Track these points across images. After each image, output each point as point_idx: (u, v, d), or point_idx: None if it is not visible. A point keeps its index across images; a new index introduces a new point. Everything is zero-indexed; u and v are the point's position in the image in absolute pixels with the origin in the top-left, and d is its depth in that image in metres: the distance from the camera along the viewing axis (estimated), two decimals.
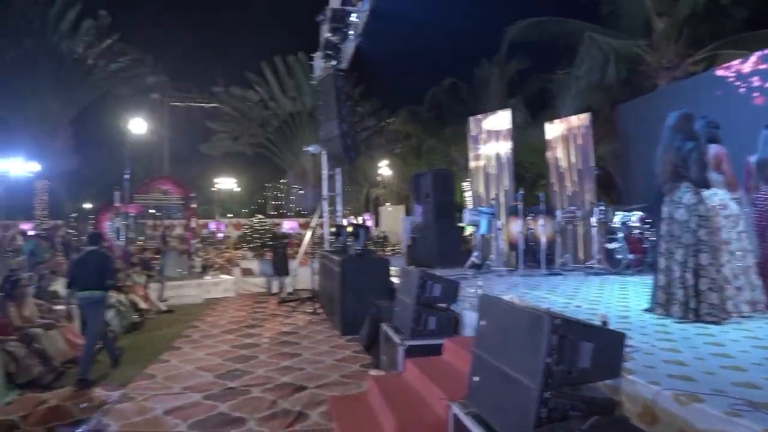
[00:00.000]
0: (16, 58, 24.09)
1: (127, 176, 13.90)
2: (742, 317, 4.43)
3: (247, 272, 14.14)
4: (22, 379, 5.45)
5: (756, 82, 8.55)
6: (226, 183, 33.30)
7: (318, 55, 12.28)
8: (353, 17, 11.00)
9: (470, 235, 12.56)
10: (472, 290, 5.89)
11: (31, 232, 18.29)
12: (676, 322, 4.30)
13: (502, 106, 14.28)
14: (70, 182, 31.52)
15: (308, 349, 7.14)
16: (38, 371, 5.65)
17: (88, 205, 32.90)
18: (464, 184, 20.83)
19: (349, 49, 11.40)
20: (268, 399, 5.09)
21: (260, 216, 24.14)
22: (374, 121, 27.84)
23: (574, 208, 9.85)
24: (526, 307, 2.57)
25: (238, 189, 38.29)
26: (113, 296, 8.84)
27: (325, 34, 10.98)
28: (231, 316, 9.98)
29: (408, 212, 22.36)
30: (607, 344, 2.49)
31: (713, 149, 4.92)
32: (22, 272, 7.78)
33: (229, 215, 36.46)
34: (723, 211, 4.81)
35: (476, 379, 2.97)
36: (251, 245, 19.55)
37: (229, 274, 13.99)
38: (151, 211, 17.00)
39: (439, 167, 18.07)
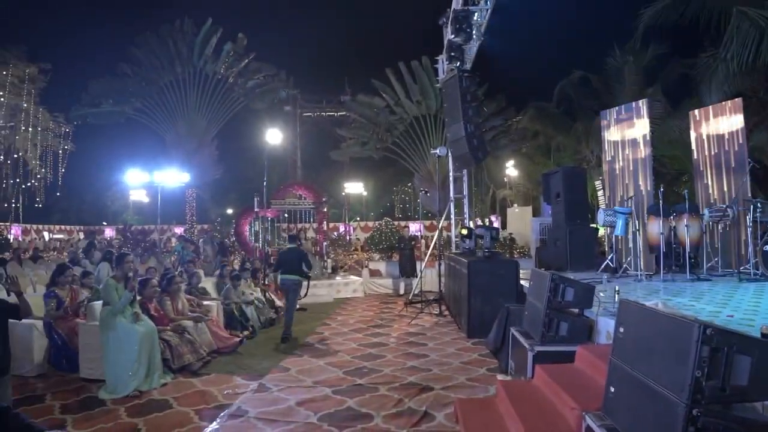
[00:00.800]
0: (168, 83, 27.70)
1: (264, 183, 14.96)
2: None
3: (375, 273, 14.52)
4: (176, 364, 6.08)
5: None
6: (355, 187, 34.56)
7: (442, 58, 12.30)
8: (475, 17, 10.88)
9: (603, 237, 11.83)
10: (609, 295, 5.51)
11: (177, 235, 20.46)
12: None
13: (638, 97, 13.24)
14: (215, 190, 34.84)
15: (434, 350, 7.15)
16: (189, 359, 6.26)
17: (230, 211, 36.01)
18: (597, 182, 19.64)
19: (472, 49, 11.29)
20: (394, 397, 5.16)
21: (387, 219, 24.70)
22: (500, 120, 27.26)
23: (724, 206, 8.83)
24: (672, 313, 2.34)
25: (366, 193, 39.52)
26: (254, 293, 9.57)
27: (448, 36, 10.97)
28: (360, 315, 10.30)
29: (536, 213, 21.60)
30: None
31: None
32: (174, 270, 8.69)
33: (357, 218, 37.81)
34: None
35: (613, 389, 2.77)
36: (379, 247, 20.09)
37: (357, 275, 14.47)
38: (285, 215, 18.13)
39: (570, 165, 17.19)
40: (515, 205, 27.86)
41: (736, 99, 9.84)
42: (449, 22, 10.85)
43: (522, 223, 19.89)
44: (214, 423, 4.59)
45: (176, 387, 5.63)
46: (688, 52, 16.18)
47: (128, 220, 34.50)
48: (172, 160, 26.58)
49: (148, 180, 23.39)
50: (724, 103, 10.03)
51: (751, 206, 8.00)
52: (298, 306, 10.93)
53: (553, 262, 9.78)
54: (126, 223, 28.92)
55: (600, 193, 19.36)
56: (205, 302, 8.13)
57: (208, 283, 9.28)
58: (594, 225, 11.08)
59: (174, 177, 23.73)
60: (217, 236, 19.70)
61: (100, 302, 5.83)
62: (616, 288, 4.86)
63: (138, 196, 34.26)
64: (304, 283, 8.53)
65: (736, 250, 8.97)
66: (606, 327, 4.43)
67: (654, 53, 17.73)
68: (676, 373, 2.16)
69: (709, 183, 9.78)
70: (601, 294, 5.64)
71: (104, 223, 36.67)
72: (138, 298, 6.13)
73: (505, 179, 30.59)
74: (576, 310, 4.71)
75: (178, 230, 27.21)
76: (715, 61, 13.35)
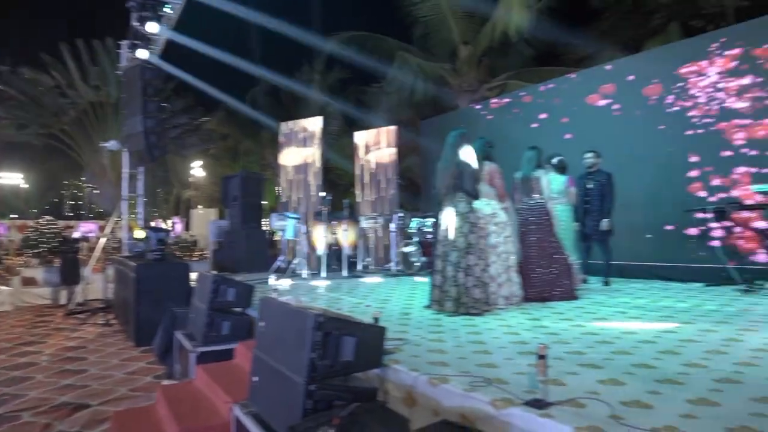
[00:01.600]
0: None
1: None
2: (500, 309, 5.17)
3: (29, 282, 12.43)
4: None
5: (535, 110, 9.86)
6: (11, 178, 28.85)
7: (125, 44, 11.32)
8: (167, 9, 10.37)
9: (278, 239, 12.64)
10: (274, 293, 5.96)
11: None
12: (449, 316, 4.86)
13: (321, 113, 14.62)
14: None
15: (96, 363, 6.55)
16: None
17: None
18: (278, 188, 20.81)
19: (160, 40, 10.71)
20: (40, 423, 4.57)
21: (49, 217, 21.35)
22: (186, 118, 26.42)
23: (376, 214, 10.49)
24: (296, 307, 2.71)
25: (28, 186, 33.44)
26: None
27: (134, 21, 10.19)
28: (3, 334, 8.70)
29: (222, 216, 21.65)
30: (369, 338, 2.75)
31: (487, 166, 5.68)
32: None
33: (12, 216, 31.66)
34: (493, 219, 5.56)
35: (256, 379, 3.05)
36: (36, 250, 17.22)
37: (6, 285, 12.16)
38: None
39: (253, 170, 17.83)
40: (200, 206, 27.41)
41: (392, 127, 11.75)
42: (136, 8, 10.08)
43: (206, 225, 19.76)
44: None
45: None
46: (364, 81, 18.56)
47: None
48: None
49: None
50: (384, 128, 11.84)
51: (395, 215, 9.70)
52: None
53: (228, 265, 10.04)
54: None
55: (280, 198, 20.58)
56: None
57: None
58: (268, 228, 11.76)
59: None
60: None
61: None
62: (279, 287, 5.31)
63: None
64: None
65: (384, 251, 10.70)
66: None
67: (338, 76, 19.84)
68: (298, 357, 2.52)
69: (368, 195, 11.41)
70: (270, 293, 6.05)
71: None
72: None
73: (191, 179, 29.81)
74: (238, 309, 4.96)
75: None
76: (382, 92, 15.71)
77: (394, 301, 6.04)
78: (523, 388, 2.63)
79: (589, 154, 7.19)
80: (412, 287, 7.39)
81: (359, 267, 9.96)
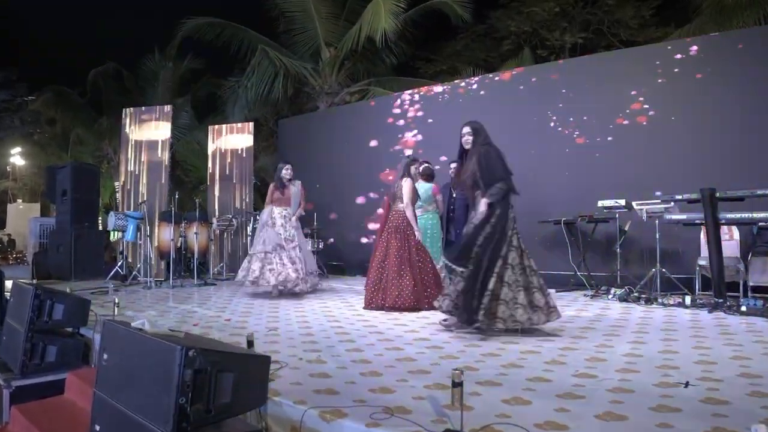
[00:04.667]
0: None
1: None
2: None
3: None
4: None
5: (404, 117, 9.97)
6: None
7: None
8: None
9: (116, 241, 11.22)
10: (109, 312, 5.04)
11: None
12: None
13: (170, 104, 13.30)
14: None
15: None
16: None
17: None
18: (117, 183, 18.69)
19: None
20: None
21: None
22: (7, 94, 22.70)
23: (230, 215, 9.70)
24: (157, 335, 2.12)
25: None
26: None
27: None
28: None
29: (45, 212, 18.90)
30: (252, 371, 2.25)
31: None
32: None
33: None
34: None
35: (98, 428, 2.37)
36: None
37: None
38: None
39: (87, 162, 15.76)
40: (20, 200, 23.78)
41: (250, 123, 11.00)
42: None
43: (25, 223, 17.08)
44: None
45: None
46: (219, 73, 17.31)
47: None
48: None
49: None
50: (241, 124, 11.03)
51: (252, 217, 9.03)
52: None
53: (53, 271, 8.58)
54: None
55: (119, 195, 18.49)
56: None
57: None
58: (105, 229, 10.34)
59: None
60: None
61: None
62: (116, 300, 4.46)
63: None
64: None
65: (240, 256, 9.93)
66: None
67: (190, 66, 18.23)
68: (161, 402, 1.94)
69: (221, 194, 10.54)
70: (102, 309, 5.13)
71: None
72: None
73: (9, 168, 25.75)
74: (69, 329, 4.05)
75: None
76: (239, 86, 14.77)
77: (255, 312, 5.46)
78: (429, 417, 2.34)
79: (455, 165, 7.21)
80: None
81: (210, 273, 9.10)
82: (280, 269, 6.57)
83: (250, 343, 3.00)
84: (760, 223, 5.83)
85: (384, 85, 14.07)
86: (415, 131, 9.64)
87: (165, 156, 9.54)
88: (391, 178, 6.84)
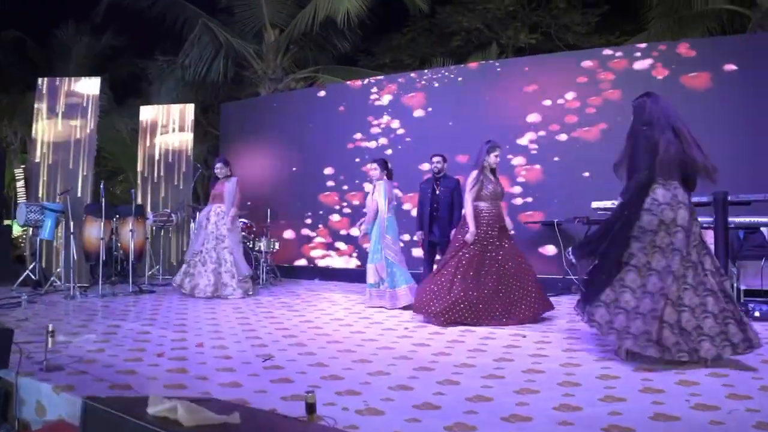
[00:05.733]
0: None
1: None
2: None
3: None
4: None
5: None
6: None
7: None
8: None
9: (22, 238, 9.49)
10: (39, 329, 3.75)
11: None
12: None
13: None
14: None
15: None
16: None
17: None
18: (18, 170, 16.36)
19: None
20: None
21: None
22: None
23: (168, 210, 8.36)
24: None
25: None
26: None
27: None
28: None
29: None
30: None
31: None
32: None
33: None
34: None
35: None
36: None
37: None
38: None
39: None
40: None
41: (189, 105, 9.65)
42: None
43: None
44: None
45: None
46: (144, 52, 15.46)
47: None
48: None
49: None
50: (178, 107, 9.65)
51: (197, 213, 7.74)
52: None
53: None
54: None
55: (21, 183, 16.16)
56: None
57: None
58: (8, 223, 8.63)
59: None
60: None
61: None
62: (50, 328, 3.17)
63: None
64: None
65: (177, 257, 8.61)
66: (36, 394, 2.77)
67: (111, 42, 16.07)
68: None
69: (154, 186, 9.13)
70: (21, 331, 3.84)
71: None
72: None
73: None
74: None
75: None
76: (170, 65, 13.17)
77: (226, 330, 4.36)
78: None
79: (437, 158, 6.62)
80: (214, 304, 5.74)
81: (146, 277, 7.74)
82: (201, 275, 6.47)
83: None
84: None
85: (332, 73, 13.06)
86: (386, 121, 8.78)
87: (90, 140, 7.95)
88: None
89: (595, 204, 6.17)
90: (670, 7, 11.22)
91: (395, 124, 8.66)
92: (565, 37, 16.02)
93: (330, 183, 8.98)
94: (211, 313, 5.38)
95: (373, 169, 6.13)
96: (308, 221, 9.08)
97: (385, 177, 6.07)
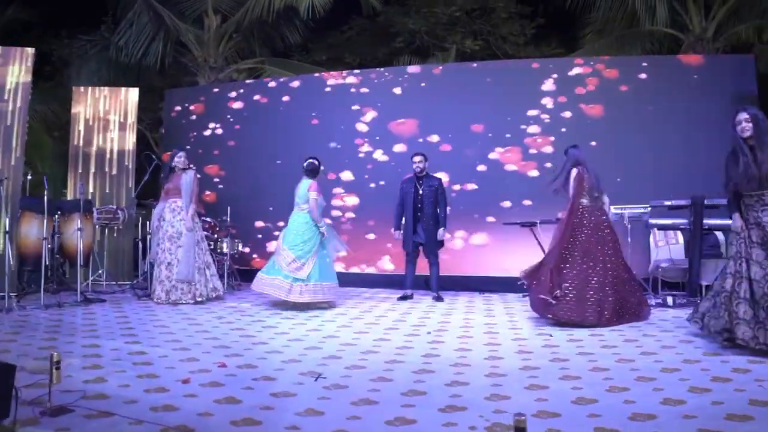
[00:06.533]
0: None
1: None
2: None
3: None
4: None
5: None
6: None
7: None
8: None
9: None
10: None
11: None
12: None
13: None
14: None
15: None
16: None
17: None
18: None
19: None
20: None
21: None
22: None
23: (114, 207, 7.38)
24: None
25: None
26: None
27: None
28: None
29: None
30: None
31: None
32: None
33: None
34: None
35: None
36: None
37: None
38: None
39: None
40: None
41: (133, 89, 8.64)
42: None
43: None
44: None
45: None
46: (56, 30, 13.84)
47: None
48: None
49: None
50: (120, 90, 8.62)
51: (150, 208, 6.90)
52: None
53: None
54: None
55: None
56: None
57: None
58: None
59: None
60: None
61: None
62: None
63: None
64: None
65: (128, 261, 7.65)
66: None
67: (16, 16, 14.12)
68: None
69: (98, 177, 8.09)
70: None
71: None
72: None
73: None
74: None
75: None
76: (95, 46, 11.87)
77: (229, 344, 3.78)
78: None
79: (419, 158, 6.54)
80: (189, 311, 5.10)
81: (89, 284, 6.72)
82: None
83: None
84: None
85: (279, 66, 12.37)
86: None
87: (21, 117, 6.76)
88: None
89: None
90: (611, 25, 11.63)
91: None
92: (504, 46, 16.38)
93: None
94: (189, 321, 4.70)
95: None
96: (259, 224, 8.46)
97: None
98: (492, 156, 7.66)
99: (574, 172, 4.83)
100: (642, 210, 6.20)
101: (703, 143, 6.84)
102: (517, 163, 7.59)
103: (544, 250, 5.74)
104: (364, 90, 8.38)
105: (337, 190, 8.16)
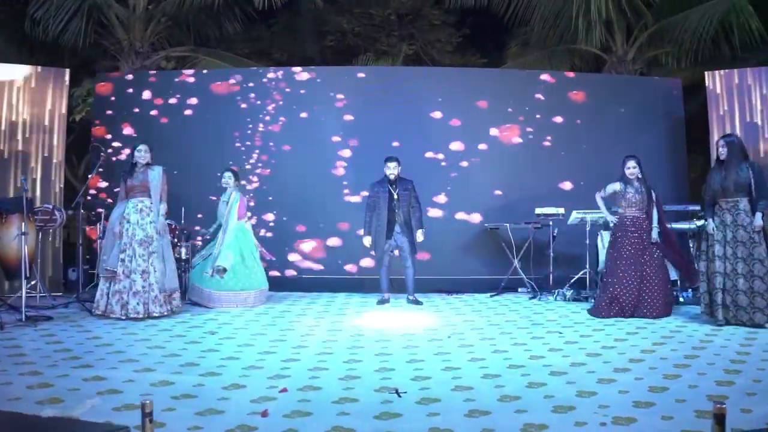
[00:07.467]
0: None
1: None
2: None
3: None
4: None
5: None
6: None
7: None
8: None
9: None
10: None
11: None
12: None
13: None
14: None
15: None
16: None
17: None
18: None
19: None
20: None
21: None
22: None
23: (51, 206, 6.40)
24: None
25: None
26: None
27: None
28: None
29: None
30: None
31: None
32: None
33: None
34: None
35: None
36: None
37: None
38: None
39: None
40: None
41: (64, 70, 7.61)
42: None
43: None
44: None
45: None
46: None
47: None
48: None
49: None
50: (45, 70, 7.55)
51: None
52: None
53: None
54: None
55: None
56: None
57: None
58: None
59: None
60: None
61: None
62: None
63: None
64: None
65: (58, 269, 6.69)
66: None
67: None
68: None
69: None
70: None
71: None
72: None
73: None
74: None
75: None
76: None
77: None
78: None
79: (393, 163, 6.47)
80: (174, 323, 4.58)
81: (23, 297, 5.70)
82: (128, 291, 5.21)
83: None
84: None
85: (213, 56, 11.55)
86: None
87: None
88: None
89: None
90: (540, 41, 12.14)
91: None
92: (431, 52, 16.58)
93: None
94: (183, 338, 4.17)
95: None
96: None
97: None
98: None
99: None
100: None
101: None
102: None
103: None
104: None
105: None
